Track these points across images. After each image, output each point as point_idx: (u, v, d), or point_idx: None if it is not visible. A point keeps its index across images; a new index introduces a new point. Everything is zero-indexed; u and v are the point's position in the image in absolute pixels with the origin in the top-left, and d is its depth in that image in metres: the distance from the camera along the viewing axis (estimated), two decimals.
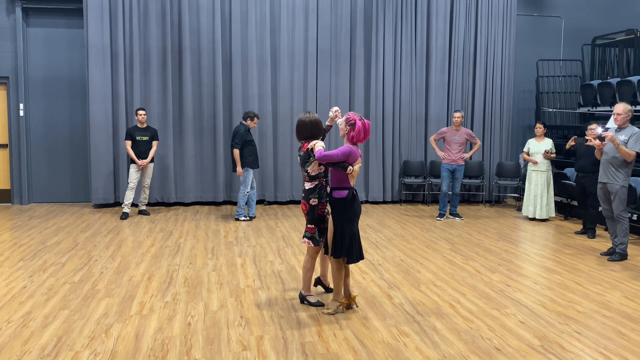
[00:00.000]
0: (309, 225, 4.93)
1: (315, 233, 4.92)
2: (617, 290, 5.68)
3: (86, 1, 9.85)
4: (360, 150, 4.95)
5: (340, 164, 4.68)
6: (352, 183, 4.79)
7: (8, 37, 10.18)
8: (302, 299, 5.11)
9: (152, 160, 9.39)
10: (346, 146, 4.74)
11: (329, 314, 4.86)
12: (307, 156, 4.85)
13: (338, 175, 4.76)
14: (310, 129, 4.89)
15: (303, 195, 4.92)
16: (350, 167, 4.68)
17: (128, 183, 9.28)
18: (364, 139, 4.82)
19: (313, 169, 4.84)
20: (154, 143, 9.38)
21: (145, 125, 9.32)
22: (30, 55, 10.36)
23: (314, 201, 4.86)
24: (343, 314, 4.87)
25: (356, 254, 4.85)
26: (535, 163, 9.20)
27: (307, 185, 4.88)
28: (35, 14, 10.32)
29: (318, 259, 5.63)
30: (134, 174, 9.22)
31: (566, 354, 4.12)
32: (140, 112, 9.22)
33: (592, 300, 5.37)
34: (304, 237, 5.00)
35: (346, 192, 4.74)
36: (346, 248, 4.77)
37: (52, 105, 10.47)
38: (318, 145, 4.74)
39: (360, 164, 4.84)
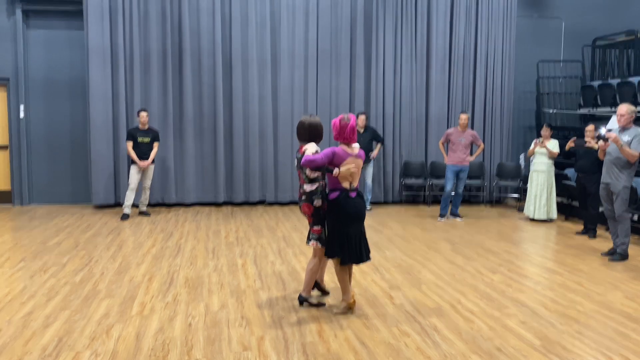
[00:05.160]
0: (315, 227, 4.89)
1: (322, 233, 4.90)
2: (618, 291, 5.67)
3: (86, 3, 9.85)
4: (357, 151, 4.85)
5: (324, 168, 4.64)
6: (346, 185, 4.73)
7: (8, 38, 10.19)
8: (302, 301, 5.05)
9: (152, 162, 9.39)
10: (329, 148, 4.71)
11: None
12: None
13: (331, 177, 4.74)
14: (308, 132, 4.86)
15: (304, 198, 4.83)
16: (337, 169, 4.63)
17: (129, 184, 9.27)
18: (348, 138, 4.72)
19: (311, 171, 4.80)
20: (155, 144, 9.38)
21: (147, 127, 9.32)
22: (30, 57, 10.36)
23: (317, 202, 4.82)
24: (345, 314, 4.87)
25: (352, 256, 4.81)
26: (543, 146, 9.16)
27: (309, 188, 4.82)
28: (35, 15, 10.32)
29: None
30: (134, 175, 9.22)
31: (567, 354, 4.11)
32: (142, 113, 9.22)
33: (593, 300, 5.36)
34: (309, 239, 4.94)
35: (337, 193, 4.73)
36: (338, 249, 4.77)
37: (53, 107, 10.47)
38: (308, 151, 4.71)
39: (352, 165, 4.72)
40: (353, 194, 4.77)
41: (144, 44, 10.15)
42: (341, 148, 4.75)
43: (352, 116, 4.77)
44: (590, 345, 4.28)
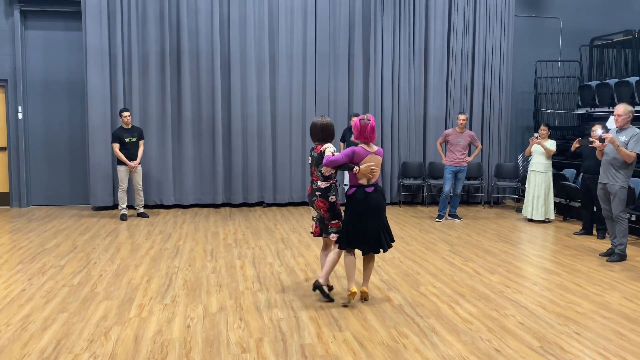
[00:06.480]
0: (333, 222, 5.14)
1: (341, 226, 5.16)
2: (616, 291, 5.68)
3: (84, 4, 9.85)
4: (376, 149, 5.07)
5: (345, 166, 4.94)
6: (364, 181, 5.00)
7: (7, 39, 10.18)
8: (317, 287, 5.18)
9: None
10: (349, 148, 5.01)
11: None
12: (321, 158, 5.08)
13: (351, 174, 5.05)
14: (321, 132, 5.15)
15: (319, 194, 5.10)
16: (357, 167, 4.92)
17: (120, 186, 9.26)
18: (368, 137, 5.03)
19: (326, 170, 5.07)
20: (141, 143, 9.39)
21: (130, 126, 9.32)
22: (28, 58, 10.35)
23: (332, 198, 5.11)
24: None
25: (374, 246, 5.08)
26: (539, 143, 9.14)
27: (323, 185, 5.11)
28: (33, 16, 10.32)
29: (319, 261, 5.69)
30: (124, 177, 9.23)
31: (565, 355, 4.12)
32: (125, 113, 9.22)
33: (592, 301, 5.37)
34: (330, 233, 5.17)
35: (354, 189, 5.05)
36: (353, 241, 5.05)
37: (51, 108, 10.46)
38: (328, 151, 5.00)
39: (372, 162, 4.97)
40: (370, 189, 5.02)
41: (142, 45, 10.15)
42: (361, 147, 5.03)
43: (371, 117, 5.08)
44: (588, 346, 4.29)
